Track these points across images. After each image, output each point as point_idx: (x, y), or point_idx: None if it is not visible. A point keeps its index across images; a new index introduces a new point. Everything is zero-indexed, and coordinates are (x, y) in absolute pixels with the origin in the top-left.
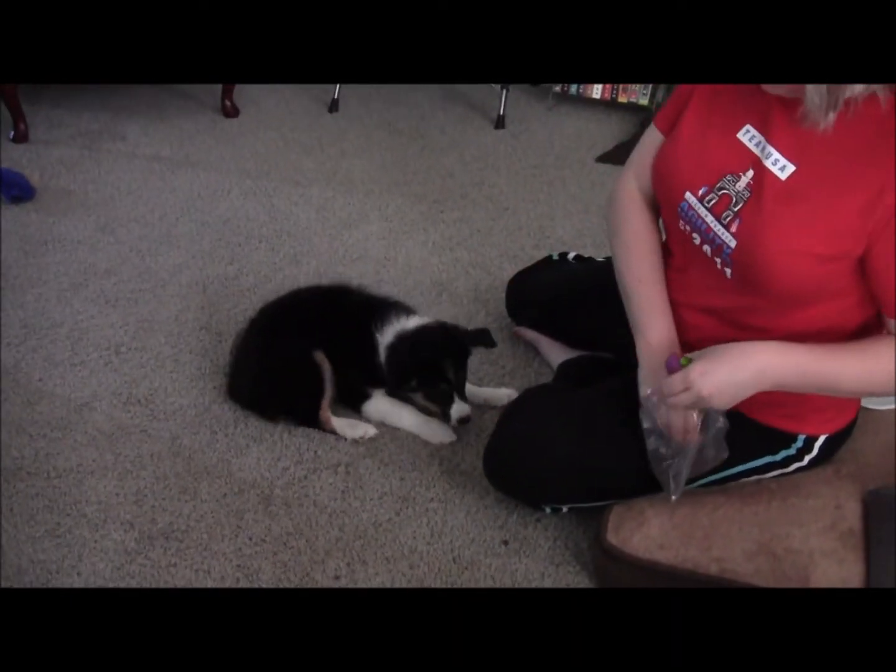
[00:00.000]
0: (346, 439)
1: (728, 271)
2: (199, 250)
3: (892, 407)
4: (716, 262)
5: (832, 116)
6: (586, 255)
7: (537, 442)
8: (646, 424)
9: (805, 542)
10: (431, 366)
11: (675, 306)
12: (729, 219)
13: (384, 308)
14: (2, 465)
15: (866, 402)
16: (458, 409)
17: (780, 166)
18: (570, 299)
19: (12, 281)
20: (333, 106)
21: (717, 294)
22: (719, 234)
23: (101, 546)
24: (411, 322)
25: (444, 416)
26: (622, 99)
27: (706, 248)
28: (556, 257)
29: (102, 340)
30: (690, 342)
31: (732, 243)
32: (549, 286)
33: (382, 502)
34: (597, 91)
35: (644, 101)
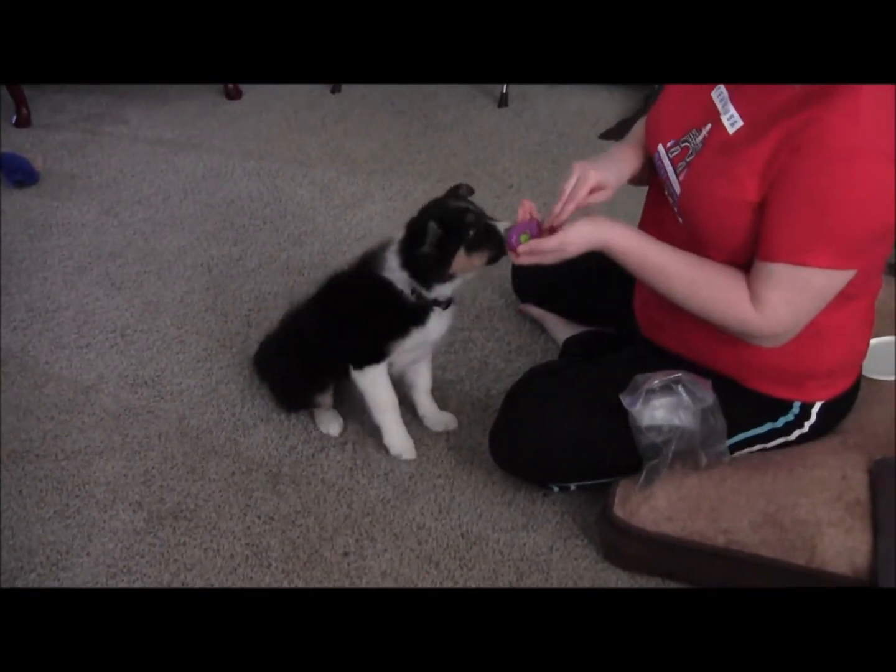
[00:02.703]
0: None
1: (681, 220)
2: (204, 232)
3: None
4: (675, 210)
5: None
6: None
7: (542, 421)
8: (640, 423)
9: (812, 512)
10: (447, 213)
11: None
12: (681, 169)
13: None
14: (11, 448)
15: (871, 374)
16: (503, 225)
17: (732, 121)
18: (574, 275)
19: (17, 265)
20: (336, 86)
21: (678, 242)
22: (672, 183)
23: (111, 526)
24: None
25: (495, 250)
26: None
27: (670, 199)
28: None
29: (108, 323)
30: None
31: (678, 191)
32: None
33: (390, 479)
34: None
35: None
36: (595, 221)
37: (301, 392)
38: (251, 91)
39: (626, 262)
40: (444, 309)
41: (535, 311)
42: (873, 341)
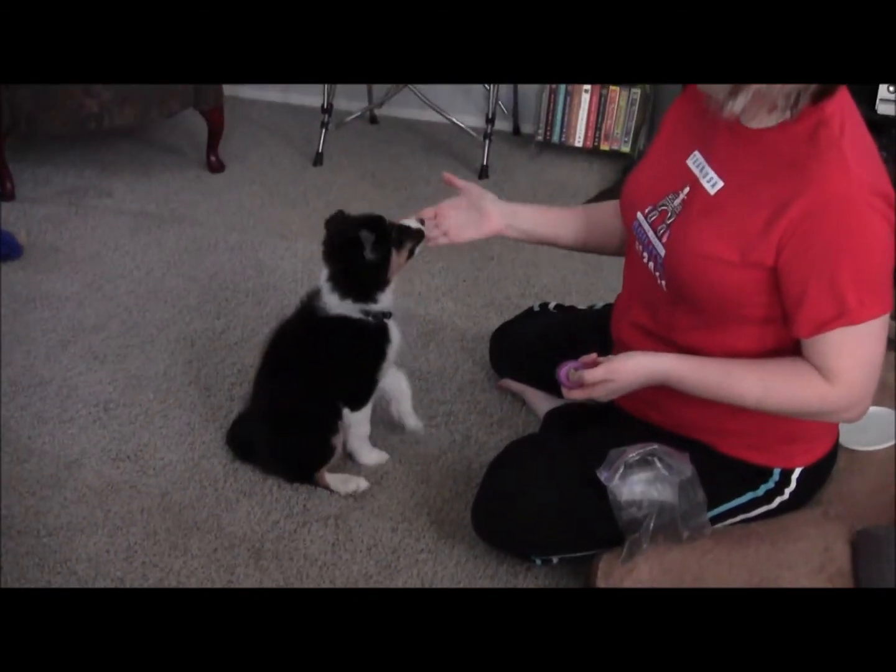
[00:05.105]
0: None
1: (663, 283)
2: (187, 305)
3: (878, 448)
4: (656, 277)
5: (737, 104)
6: (567, 304)
7: (523, 494)
8: (619, 499)
9: (795, 584)
10: (366, 223)
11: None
12: (662, 231)
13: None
14: None
15: (851, 444)
16: (410, 222)
17: (711, 183)
18: (553, 348)
19: (0, 339)
20: (318, 159)
21: (662, 309)
22: (655, 245)
23: None
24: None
25: (417, 237)
26: (604, 146)
27: (651, 264)
28: (537, 308)
29: (91, 397)
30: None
31: (663, 252)
32: (532, 336)
33: (372, 554)
34: (579, 139)
35: (626, 149)
36: (645, 353)
37: (317, 446)
38: (233, 164)
39: (691, 384)
40: (390, 319)
41: (515, 385)
42: None
